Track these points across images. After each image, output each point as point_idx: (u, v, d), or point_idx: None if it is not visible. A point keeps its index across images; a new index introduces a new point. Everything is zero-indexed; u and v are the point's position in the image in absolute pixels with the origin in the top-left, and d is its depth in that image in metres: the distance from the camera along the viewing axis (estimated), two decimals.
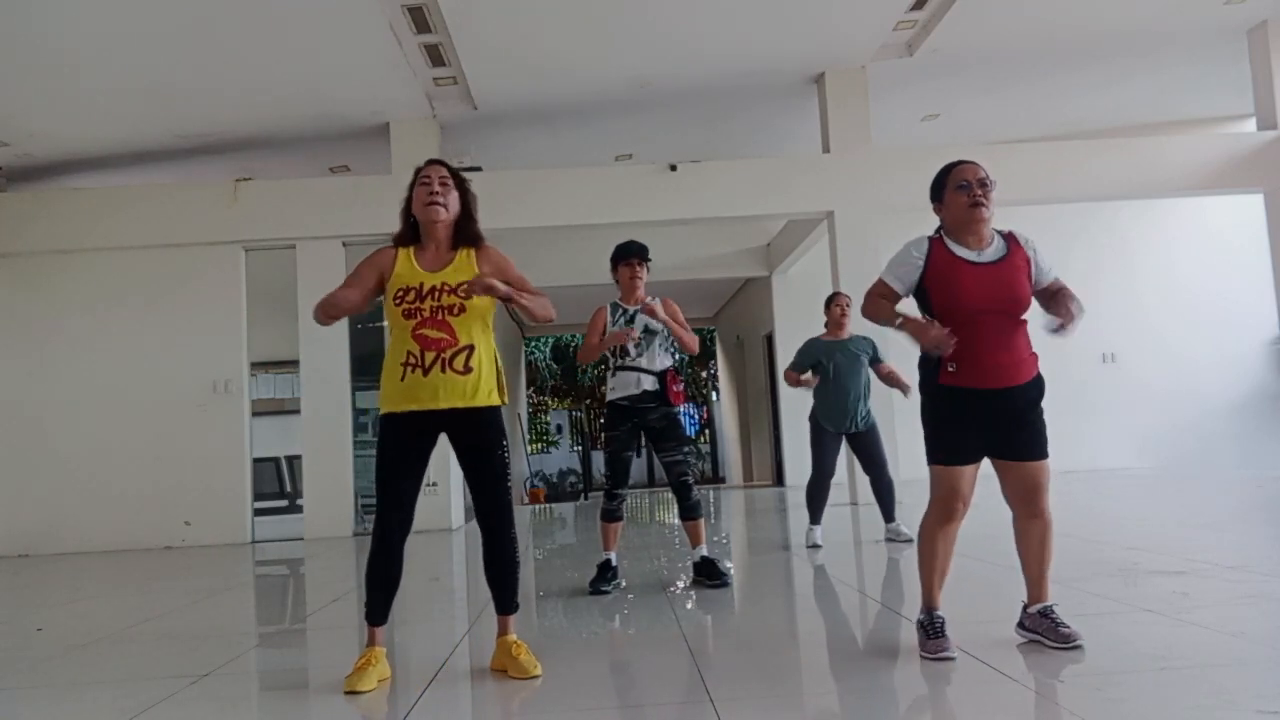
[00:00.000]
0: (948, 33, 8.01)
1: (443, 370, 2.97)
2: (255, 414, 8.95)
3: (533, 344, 25.00)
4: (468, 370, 2.99)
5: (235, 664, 3.51)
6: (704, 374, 24.61)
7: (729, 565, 5.19)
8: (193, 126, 8.72)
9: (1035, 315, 2.96)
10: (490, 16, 7.23)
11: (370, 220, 8.16)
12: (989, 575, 4.26)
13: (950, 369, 2.90)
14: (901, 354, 4.99)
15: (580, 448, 20.87)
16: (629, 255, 4.69)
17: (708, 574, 4.58)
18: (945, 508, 2.94)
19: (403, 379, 2.99)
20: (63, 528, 8.50)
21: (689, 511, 4.64)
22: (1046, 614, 2.95)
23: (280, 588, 6.31)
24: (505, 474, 3.09)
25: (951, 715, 2.59)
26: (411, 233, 3.15)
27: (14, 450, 8.62)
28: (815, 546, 5.67)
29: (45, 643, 4.13)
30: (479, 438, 3.05)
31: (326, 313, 3.08)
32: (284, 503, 10.60)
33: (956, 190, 2.95)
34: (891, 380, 5.64)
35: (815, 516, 5.78)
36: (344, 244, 8.72)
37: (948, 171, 3.01)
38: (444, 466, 8.07)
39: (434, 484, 8.52)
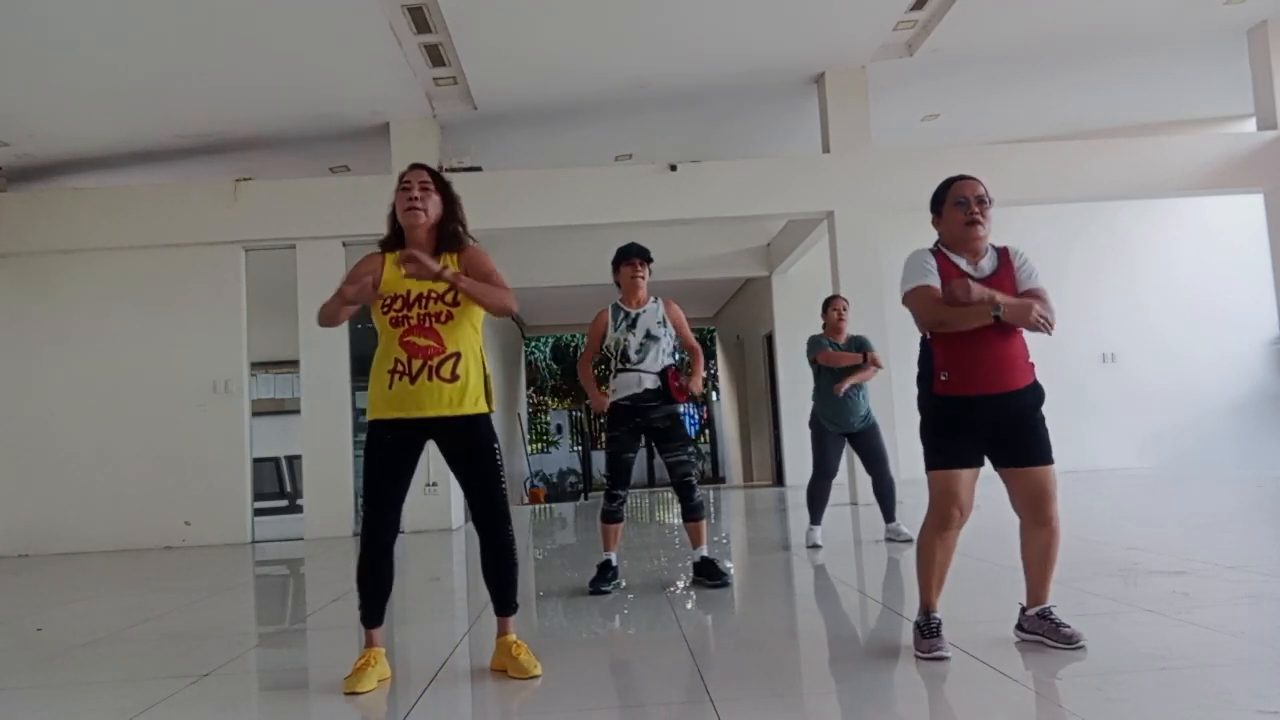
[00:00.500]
0: (948, 33, 8.00)
1: (430, 378, 2.96)
2: (255, 414, 8.95)
3: (533, 344, 25.00)
4: (454, 378, 2.99)
5: (235, 664, 3.52)
6: (704, 374, 24.57)
7: (729, 565, 5.19)
8: (193, 126, 8.71)
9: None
10: (490, 16, 7.23)
11: (370, 220, 7.98)
12: (989, 575, 4.26)
13: (943, 378, 2.95)
14: (902, 356, 4.99)
15: (580, 448, 20.87)
16: (630, 255, 4.70)
17: (708, 574, 4.58)
18: (942, 514, 2.95)
19: (390, 386, 2.98)
20: (63, 528, 8.49)
21: (692, 512, 4.64)
22: (1046, 615, 2.97)
23: (280, 588, 6.31)
24: (499, 476, 3.09)
25: (952, 715, 2.59)
26: (397, 238, 3.12)
27: (14, 450, 8.61)
28: (815, 547, 5.67)
29: (45, 643, 4.14)
30: (468, 443, 3.05)
31: (328, 320, 3.09)
32: (284, 503, 10.60)
33: (955, 206, 2.99)
34: (871, 362, 5.67)
35: (816, 517, 5.79)
36: (344, 244, 8.71)
37: (947, 186, 3.05)
38: (444, 467, 8.02)
39: (434, 484, 8.52)
